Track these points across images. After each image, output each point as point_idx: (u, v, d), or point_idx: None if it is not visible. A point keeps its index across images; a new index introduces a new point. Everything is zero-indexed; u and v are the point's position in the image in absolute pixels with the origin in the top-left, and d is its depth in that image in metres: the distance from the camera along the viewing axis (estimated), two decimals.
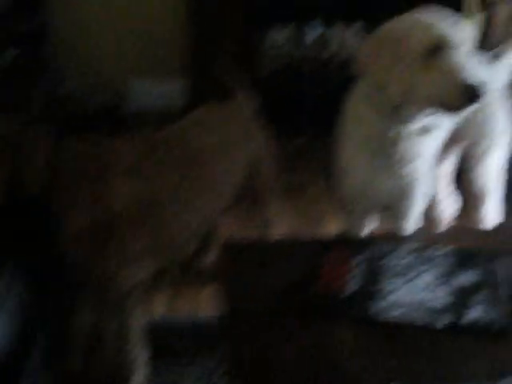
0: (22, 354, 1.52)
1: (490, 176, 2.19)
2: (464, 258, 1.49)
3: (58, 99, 3.20)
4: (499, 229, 2.11)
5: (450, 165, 2.37)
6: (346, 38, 3.21)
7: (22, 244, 1.81)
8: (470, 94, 1.50)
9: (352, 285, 1.43)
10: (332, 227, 2.46)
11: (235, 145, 2.00)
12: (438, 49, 1.53)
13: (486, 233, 1.73)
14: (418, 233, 1.83)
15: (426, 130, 1.70)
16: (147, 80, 3.49)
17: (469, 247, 1.54)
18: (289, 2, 3.09)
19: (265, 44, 3.17)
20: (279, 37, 3.15)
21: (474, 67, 1.55)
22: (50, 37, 3.18)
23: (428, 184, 1.85)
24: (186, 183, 1.81)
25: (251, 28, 3.10)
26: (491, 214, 2.26)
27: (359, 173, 1.78)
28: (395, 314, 1.35)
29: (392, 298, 1.39)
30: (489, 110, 2.02)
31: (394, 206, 1.84)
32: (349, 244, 1.58)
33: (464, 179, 2.24)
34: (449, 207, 2.46)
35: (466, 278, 1.44)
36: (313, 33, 3.19)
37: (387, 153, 1.70)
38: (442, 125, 1.79)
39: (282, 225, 2.22)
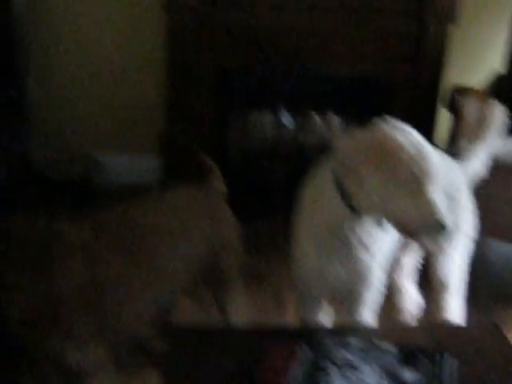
0: None
1: (455, 269, 2.18)
2: (408, 355, 1.45)
3: (28, 168, 3.20)
4: (444, 326, 2.09)
5: (414, 256, 2.36)
6: (321, 126, 3.28)
7: None
8: (437, 230, 1.53)
9: (295, 376, 1.38)
10: (291, 316, 2.41)
11: (196, 229, 1.95)
12: (420, 180, 1.54)
13: (431, 330, 1.70)
14: (368, 327, 1.80)
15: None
16: (121, 155, 3.52)
17: (413, 344, 1.51)
18: (265, 88, 3.17)
19: (237, 126, 3.23)
20: (252, 120, 3.21)
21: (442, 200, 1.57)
22: (24, 106, 3.21)
23: (384, 274, 1.83)
24: (135, 266, 1.77)
25: (225, 110, 3.16)
26: (454, 308, 2.24)
27: (312, 258, 1.75)
28: None
29: None
30: (454, 204, 2.04)
31: (347, 295, 1.81)
32: (296, 335, 1.54)
33: (428, 272, 2.23)
34: (413, 300, 2.44)
35: (409, 375, 1.40)
36: (287, 119, 3.25)
37: (344, 238, 1.69)
38: None
39: (239, 311, 2.18)
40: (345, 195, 1.61)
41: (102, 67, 3.39)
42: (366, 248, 1.72)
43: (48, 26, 3.31)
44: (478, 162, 2.17)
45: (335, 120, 3.27)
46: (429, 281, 2.23)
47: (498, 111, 2.21)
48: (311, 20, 2.97)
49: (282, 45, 2.99)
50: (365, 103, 3.14)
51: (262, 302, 2.51)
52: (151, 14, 3.20)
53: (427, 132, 2.91)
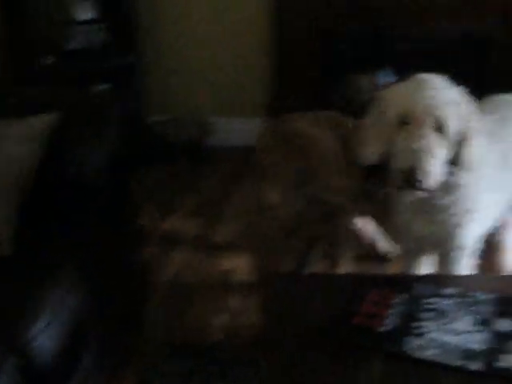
0: (73, 357, 1.61)
1: None
2: (504, 305, 1.49)
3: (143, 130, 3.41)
4: None
5: None
6: None
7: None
8: (410, 179, 1.58)
9: (390, 321, 1.46)
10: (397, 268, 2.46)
11: None
12: (404, 122, 1.60)
13: None
14: (464, 277, 1.83)
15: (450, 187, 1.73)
16: (231, 117, 3.67)
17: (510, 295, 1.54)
18: (363, 51, 3.17)
19: (340, 89, 3.24)
20: (353, 82, 3.21)
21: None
22: (140, 72, 3.41)
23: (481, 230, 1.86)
24: None
25: (328, 73, 3.19)
26: None
27: (402, 213, 1.83)
28: (429, 353, 1.36)
29: (428, 337, 1.40)
30: None
31: (436, 249, 1.87)
32: (393, 282, 1.62)
33: None
34: None
35: (505, 324, 1.43)
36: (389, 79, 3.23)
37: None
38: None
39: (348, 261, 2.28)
40: None
41: (213, 32, 3.53)
42: (446, 209, 1.75)
43: None
44: None
45: None
46: None
47: None
48: None
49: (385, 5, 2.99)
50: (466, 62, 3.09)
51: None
52: None
53: None
